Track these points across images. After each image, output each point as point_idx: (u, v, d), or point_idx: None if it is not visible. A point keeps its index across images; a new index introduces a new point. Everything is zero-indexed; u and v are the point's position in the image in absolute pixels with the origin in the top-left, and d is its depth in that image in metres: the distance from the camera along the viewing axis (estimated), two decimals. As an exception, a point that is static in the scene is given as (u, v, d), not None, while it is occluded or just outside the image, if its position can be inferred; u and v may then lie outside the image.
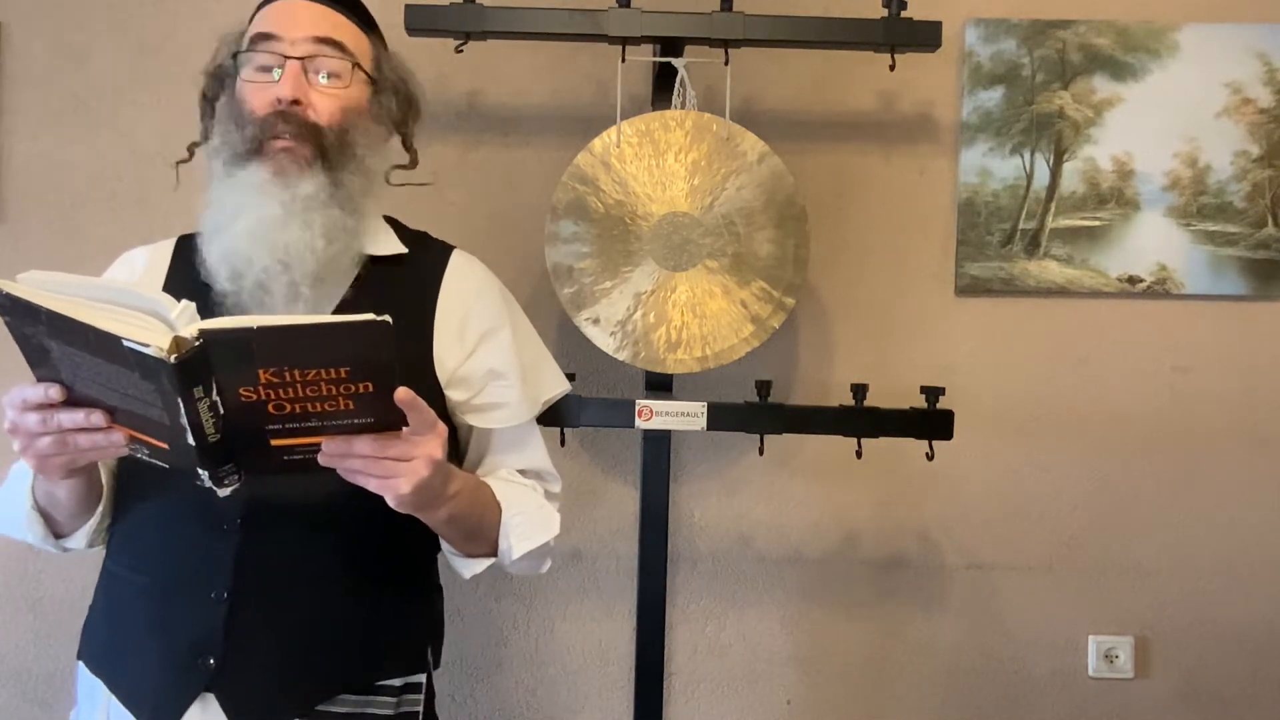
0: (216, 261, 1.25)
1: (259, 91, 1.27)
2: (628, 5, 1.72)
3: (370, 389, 1.02)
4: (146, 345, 0.95)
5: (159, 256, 1.38)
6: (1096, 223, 2.02)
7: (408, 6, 1.70)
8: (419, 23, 1.71)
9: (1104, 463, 2.06)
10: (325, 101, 1.27)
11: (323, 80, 1.28)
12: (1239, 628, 2.06)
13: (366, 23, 1.36)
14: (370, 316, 0.98)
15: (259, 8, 1.33)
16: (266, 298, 1.25)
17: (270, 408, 1.03)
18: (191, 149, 1.42)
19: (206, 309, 1.26)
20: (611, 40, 1.73)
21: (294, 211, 1.24)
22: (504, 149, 2.03)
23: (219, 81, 1.35)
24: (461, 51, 1.75)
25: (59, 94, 2.00)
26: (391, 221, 1.42)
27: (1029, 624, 2.06)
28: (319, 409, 1.03)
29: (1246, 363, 2.05)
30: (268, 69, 1.27)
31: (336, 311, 1.28)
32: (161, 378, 0.97)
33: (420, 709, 1.34)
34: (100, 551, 1.35)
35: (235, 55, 1.29)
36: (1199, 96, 2.01)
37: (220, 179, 1.27)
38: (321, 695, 1.25)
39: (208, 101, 1.37)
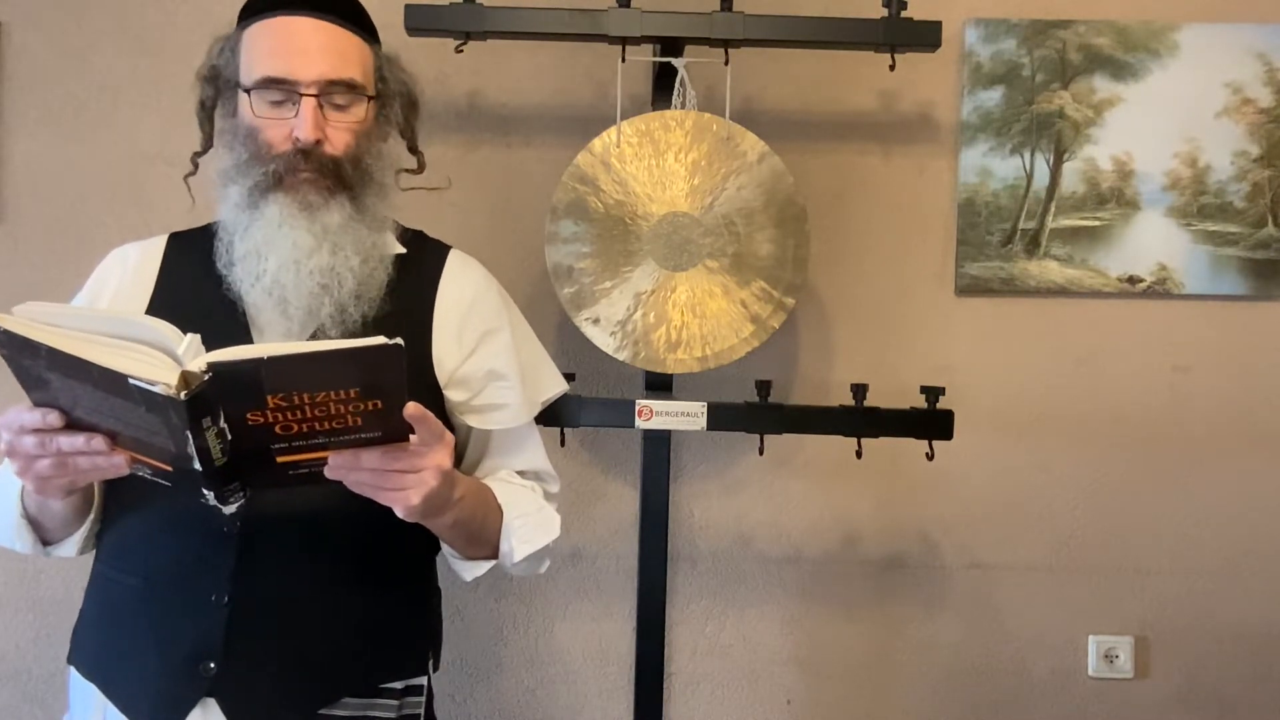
0: (261, 295, 1.26)
1: (273, 126, 1.26)
2: (628, 5, 1.72)
3: (379, 406, 1.02)
4: (154, 384, 0.94)
5: (150, 254, 1.37)
6: (1096, 223, 2.02)
7: (408, 6, 1.70)
8: (419, 23, 1.71)
9: (1104, 463, 2.05)
10: (340, 135, 1.27)
11: (337, 114, 1.27)
12: (1239, 628, 2.06)
13: (368, 30, 1.34)
14: (382, 340, 0.98)
15: (254, 13, 1.30)
16: (313, 321, 1.26)
17: (278, 429, 1.02)
18: (195, 160, 1.41)
19: (207, 308, 1.26)
20: (611, 40, 1.73)
21: (324, 239, 1.26)
22: (504, 149, 2.03)
23: (215, 88, 1.34)
24: (461, 51, 1.75)
25: (59, 94, 2.00)
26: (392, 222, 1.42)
27: (1029, 624, 2.06)
28: (326, 427, 1.02)
29: (1246, 363, 2.05)
30: (280, 103, 1.26)
31: (378, 319, 1.28)
32: (169, 412, 0.96)
33: (421, 712, 1.34)
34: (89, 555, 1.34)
35: (245, 89, 1.27)
36: (1199, 96, 2.01)
37: (240, 207, 1.27)
38: (323, 699, 1.25)
39: (206, 110, 1.36)
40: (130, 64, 2.00)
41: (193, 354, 0.98)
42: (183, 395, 0.94)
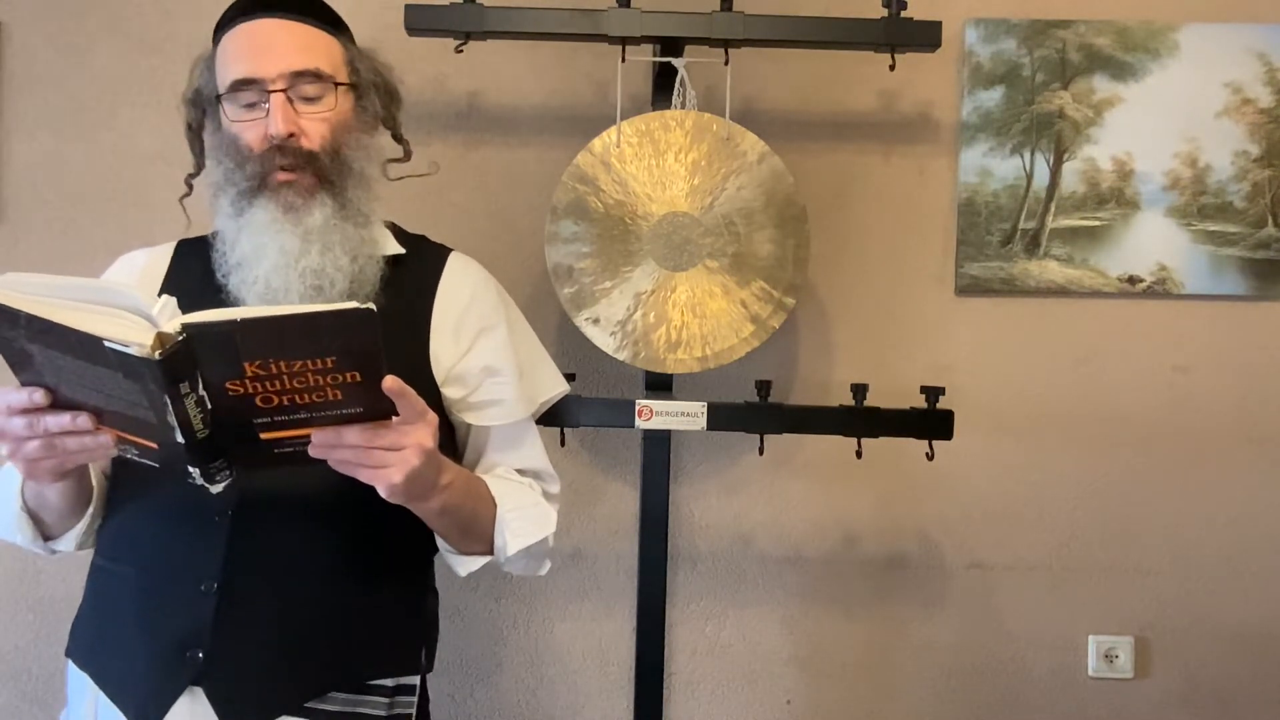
0: (256, 300, 1.27)
1: (249, 129, 1.28)
2: (628, 5, 1.72)
3: (358, 378, 1.02)
4: (128, 345, 0.95)
5: (158, 259, 1.39)
6: (1096, 223, 2.02)
7: (408, 6, 1.70)
8: (419, 23, 1.71)
9: (1104, 463, 2.05)
10: (315, 126, 1.28)
11: (308, 106, 1.28)
12: (1239, 628, 2.06)
13: (333, 23, 1.35)
14: (354, 305, 0.98)
15: (222, 27, 1.33)
16: None
17: (258, 401, 1.02)
18: (189, 181, 1.44)
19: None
20: (611, 40, 1.73)
21: (311, 240, 1.27)
22: (504, 149, 2.03)
23: (200, 109, 1.36)
24: (461, 51, 1.75)
25: (59, 94, 2.00)
26: (391, 226, 1.42)
27: (1029, 624, 2.06)
28: (307, 400, 1.02)
29: (1246, 363, 2.05)
30: (253, 105, 1.28)
31: None
32: (145, 377, 0.97)
33: (413, 711, 1.33)
34: (90, 552, 1.35)
35: (218, 98, 1.30)
36: (1199, 96, 2.01)
37: (229, 215, 1.29)
38: (311, 692, 1.25)
39: (194, 131, 1.38)
40: (130, 64, 2.00)
41: (167, 315, 0.98)
42: (157, 355, 0.95)
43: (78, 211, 2.01)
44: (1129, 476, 2.06)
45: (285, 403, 1.02)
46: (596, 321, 1.75)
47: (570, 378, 1.58)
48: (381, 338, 1.00)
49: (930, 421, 1.74)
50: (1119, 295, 2.03)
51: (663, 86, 1.82)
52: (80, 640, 1.32)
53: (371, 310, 0.98)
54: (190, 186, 1.44)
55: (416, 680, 1.35)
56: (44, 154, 2.00)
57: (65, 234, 2.00)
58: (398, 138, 1.46)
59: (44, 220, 2.01)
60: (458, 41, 1.74)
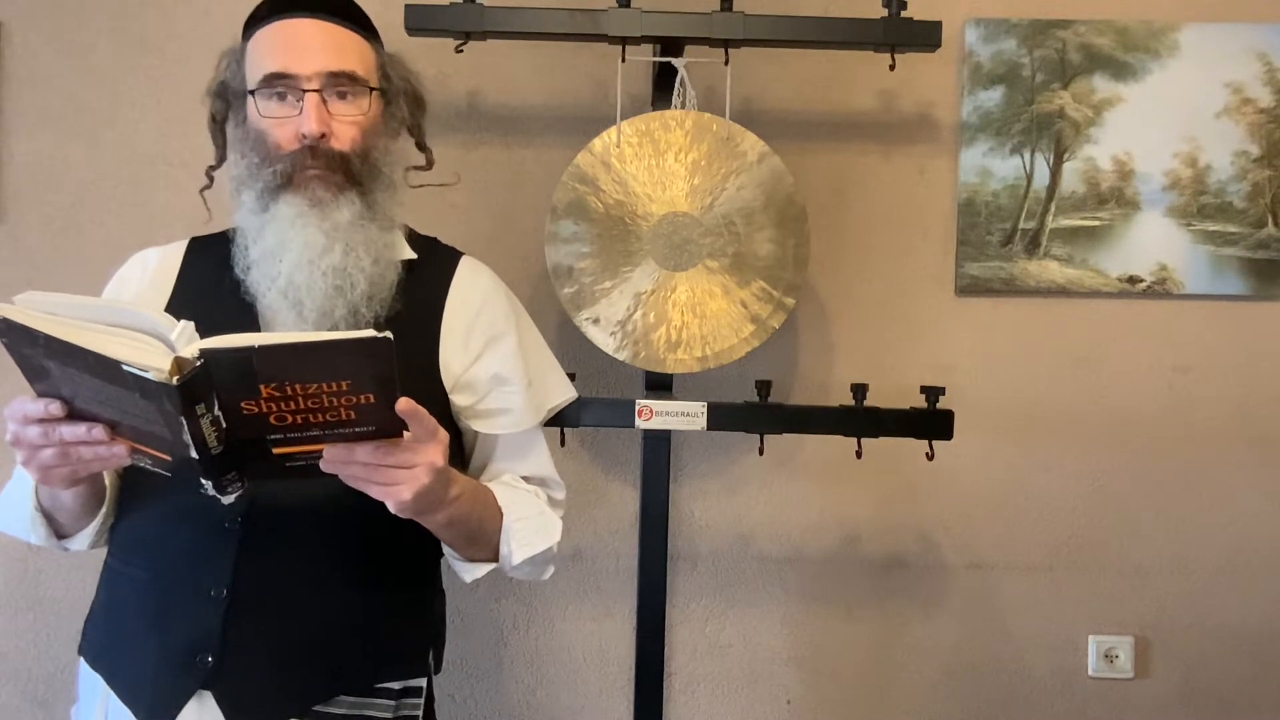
0: (276, 297, 1.27)
1: (280, 126, 1.27)
2: (628, 5, 1.72)
3: (371, 400, 1.03)
4: (146, 370, 0.95)
5: (170, 258, 1.39)
6: (1096, 223, 2.02)
7: (408, 6, 1.70)
8: (419, 23, 1.71)
9: (1104, 463, 2.05)
10: (346, 129, 1.28)
11: (341, 107, 1.28)
12: (1239, 628, 2.06)
13: (367, 29, 1.35)
14: (371, 334, 0.99)
15: (256, 23, 1.32)
16: (327, 322, 1.27)
17: (272, 419, 1.03)
18: (210, 174, 1.44)
19: (223, 312, 1.27)
20: (611, 40, 1.73)
21: (336, 238, 1.26)
22: (504, 149, 2.03)
23: (225, 101, 1.36)
24: (461, 51, 1.75)
25: (59, 94, 2.00)
26: (403, 228, 1.42)
27: (1029, 624, 2.06)
28: (320, 419, 1.03)
29: (1246, 363, 2.05)
30: (284, 101, 1.27)
31: (388, 320, 1.29)
32: (162, 399, 0.97)
33: (420, 713, 1.34)
34: (102, 550, 1.35)
35: (250, 93, 1.29)
36: (1199, 96, 2.01)
37: (253, 211, 1.29)
38: (319, 696, 1.25)
39: (217, 124, 1.38)
40: (130, 64, 2.00)
41: (185, 340, 0.99)
42: (175, 381, 0.96)
43: (78, 211, 2.01)
44: (1129, 476, 2.06)
45: (299, 421, 1.03)
46: (596, 321, 1.75)
47: (570, 378, 1.58)
48: (397, 363, 1.01)
49: (930, 421, 1.74)
50: (1119, 295, 2.03)
51: (663, 86, 1.82)
52: (92, 639, 1.33)
53: (388, 339, 0.99)
54: (211, 179, 1.44)
55: (424, 682, 1.35)
56: (44, 154, 2.00)
57: (65, 234, 2.00)
58: (421, 145, 1.46)
59: (44, 220, 2.01)
60: (458, 41, 1.74)
